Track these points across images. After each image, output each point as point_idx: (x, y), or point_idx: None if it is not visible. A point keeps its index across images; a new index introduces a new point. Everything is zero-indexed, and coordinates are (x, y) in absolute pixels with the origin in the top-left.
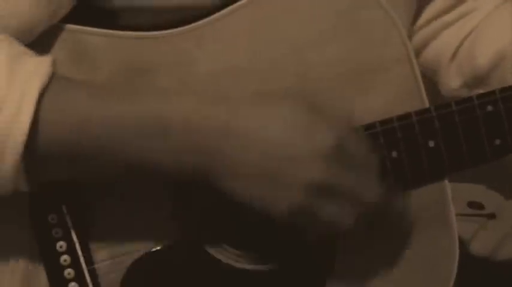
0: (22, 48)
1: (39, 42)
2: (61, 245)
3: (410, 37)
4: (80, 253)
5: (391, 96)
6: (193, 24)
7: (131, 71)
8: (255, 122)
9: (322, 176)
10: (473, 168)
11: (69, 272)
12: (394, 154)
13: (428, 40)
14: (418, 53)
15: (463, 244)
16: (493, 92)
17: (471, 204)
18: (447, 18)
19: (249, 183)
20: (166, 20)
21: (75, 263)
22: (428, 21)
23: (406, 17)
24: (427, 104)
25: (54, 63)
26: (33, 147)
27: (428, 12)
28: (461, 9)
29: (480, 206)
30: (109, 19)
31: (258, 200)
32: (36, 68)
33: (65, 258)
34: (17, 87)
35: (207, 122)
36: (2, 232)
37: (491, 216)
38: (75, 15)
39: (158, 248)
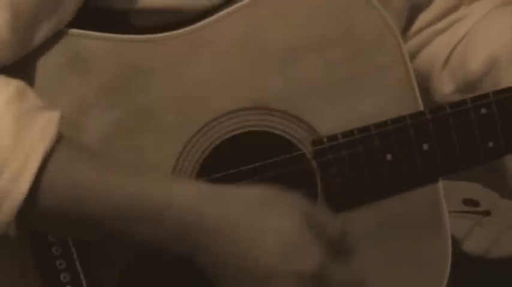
0: (32, 104)
1: (42, 45)
2: (56, 249)
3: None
4: (75, 256)
5: (385, 100)
6: (189, 27)
7: (128, 73)
8: (247, 230)
9: None
10: (466, 170)
11: (64, 276)
12: (389, 156)
13: (421, 47)
14: (410, 59)
15: (457, 242)
16: (486, 95)
17: (466, 201)
18: (440, 25)
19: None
20: (165, 22)
21: (70, 267)
22: (421, 29)
23: (397, 25)
24: (421, 107)
25: (60, 121)
26: (29, 210)
27: (421, 20)
28: (454, 16)
29: (475, 204)
30: (118, 20)
31: None
32: (41, 134)
33: (60, 262)
34: (21, 152)
35: (201, 221)
36: None
37: (487, 213)
38: (83, 17)
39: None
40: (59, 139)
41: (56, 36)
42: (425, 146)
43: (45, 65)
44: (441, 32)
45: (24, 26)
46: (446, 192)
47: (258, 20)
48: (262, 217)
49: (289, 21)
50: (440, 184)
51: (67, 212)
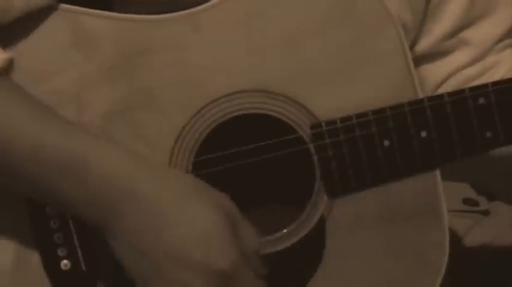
0: None
1: (43, 22)
2: (54, 222)
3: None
4: (73, 230)
5: (384, 88)
6: (193, 10)
7: (130, 51)
8: (170, 212)
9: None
10: (463, 159)
11: (62, 250)
12: (386, 143)
13: None
14: None
15: (456, 241)
16: (485, 85)
17: (466, 201)
18: (470, 72)
19: (133, 257)
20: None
21: (68, 241)
22: (450, 75)
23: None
24: (420, 96)
25: (9, 63)
26: None
27: (450, 65)
28: (484, 63)
29: (475, 203)
30: (105, 9)
31: (134, 273)
32: None
33: (58, 236)
34: None
35: (126, 184)
36: None
37: (486, 213)
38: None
39: None
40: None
41: (62, 12)
42: (423, 134)
43: (50, 41)
44: (475, 78)
45: None
46: (447, 192)
47: (260, 4)
48: (189, 201)
49: (291, 6)
50: (438, 172)
51: None
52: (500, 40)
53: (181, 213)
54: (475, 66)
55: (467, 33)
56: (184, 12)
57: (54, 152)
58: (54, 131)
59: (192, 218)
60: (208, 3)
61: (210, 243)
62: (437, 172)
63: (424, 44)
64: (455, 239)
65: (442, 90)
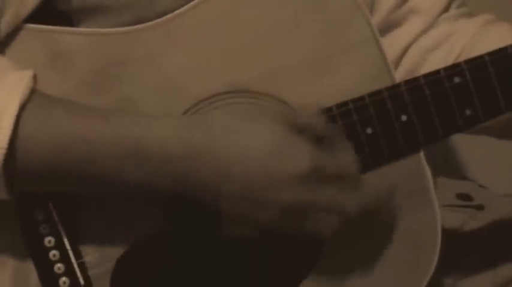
0: (5, 63)
1: (17, 43)
2: (49, 240)
3: None
4: (68, 247)
5: (359, 76)
6: (164, 18)
7: (107, 64)
8: (234, 144)
9: (296, 196)
10: (446, 138)
11: (59, 267)
12: (369, 130)
13: (416, 66)
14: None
15: (450, 235)
16: (458, 64)
17: (459, 196)
18: (427, 42)
19: (229, 203)
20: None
21: (64, 258)
22: (406, 47)
23: None
24: (397, 81)
25: (35, 78)
26: (12, 161)
27: (403, 37)
28: (437, 32)
29: (468, 198)
30: (66, 21)
31: (239, 219)
32: (17, 83)
33: (54, 253)
34: None
35: (184, 148)
36: None
37: (480, 207)
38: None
39: (146, 238)
40: (33, 91)
41: (36, 32)
42: (403, 117)
43: (26, 63)
44: (432, 49)
45: None
46: (440, 187)
47: (230, 6)
48: (245, 131)
49: (261, 4)
50: (422, 155)
51: (51, 160)
52: (449, 3)
53: (239, 141)
54: (428, 35)
55: (414, 1)
56: (156, 21)
57: (109, 147)
58: (99, 125)
59: (252, 139)
60: (179, 10)
61: (282, 152)
62: (422, 155)
63: (375, 19)
64: (450, 234)
65: (401, 67)
